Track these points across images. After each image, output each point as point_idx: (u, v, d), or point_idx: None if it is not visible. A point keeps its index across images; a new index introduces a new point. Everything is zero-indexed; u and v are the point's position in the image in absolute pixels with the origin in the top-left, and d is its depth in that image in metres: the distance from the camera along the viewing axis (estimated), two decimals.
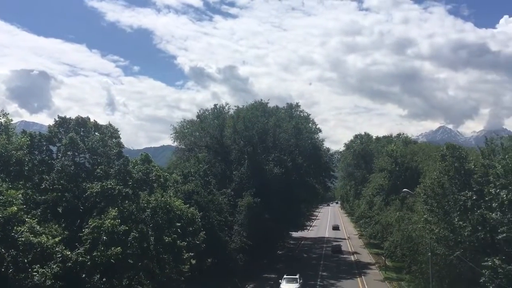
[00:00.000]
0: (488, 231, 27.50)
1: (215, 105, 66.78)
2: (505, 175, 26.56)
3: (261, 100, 68.25)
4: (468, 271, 29.17)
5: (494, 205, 26.50)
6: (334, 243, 79.08)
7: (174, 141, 68.24)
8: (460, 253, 29.28)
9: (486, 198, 27.59)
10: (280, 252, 69.98)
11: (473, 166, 30.92)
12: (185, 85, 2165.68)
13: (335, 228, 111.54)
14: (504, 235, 24.88)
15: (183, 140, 66.98)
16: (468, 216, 29.02)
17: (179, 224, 33.92)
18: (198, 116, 67.09)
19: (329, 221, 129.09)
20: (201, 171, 50.58)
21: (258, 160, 60.06)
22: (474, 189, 29.35)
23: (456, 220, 29.86)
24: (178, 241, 32.89)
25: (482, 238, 28.11)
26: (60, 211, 30.85)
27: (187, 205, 37.36)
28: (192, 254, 36.93)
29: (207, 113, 67.04)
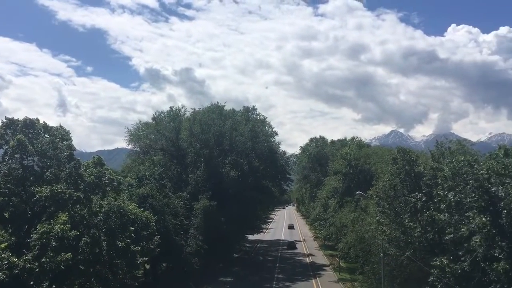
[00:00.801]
0: (436, 232, 28.43)
1: (171, 107, 65.93)
2: (453, 178, 27.54)
3: (218, 103, 67.92)
4: (418, 271, 30.04)
5: (442, 206, 27.40)
6: (289, 240, 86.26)
7: (128, 144, 66.83)
8: (410, 253, 30.15)
9: (435, 200, 28.51)
10: (236, 255, 69.82)
11: (422, 169, 31.97)
12: (140, 86, 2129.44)
13: (290, 227, 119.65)
14: (451, 235, 25.74)
15: (138, 142, 65.69)
16: (418, 218, 29.94)
17: (133, 228, 33.28)
18: (153, 119, 66.01)
19: (285, 224, 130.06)
20: (156, 174, 49.82)
21: (215, 163, 59.79)
22: (424, 191, 30.34)
23: (407, 221, 30.76)
24: (132, 246, 32.23)
25: (431, 238, 29.01)
26: (6, 216, 29.62)
27: (142, 209, 36.71)
28: (146, 258, 36.35)
29: (163, 115, 66.05)
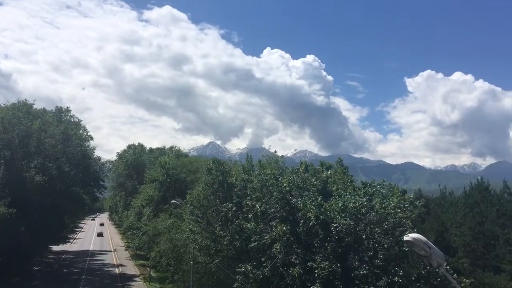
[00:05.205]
0: (243, 240, 30.14)
1: None
2: (260, 189, 29.65)
3: (26, 100, 61.72)
4: (225, 278, 31.42)
5: (249, 216, 29.21)
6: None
7: None
8: (219, 261, 31.40)
9: (244, 210, 30.27)
10: (36, 268, 63.73)
11: (234, 180, 33.71)
12: None
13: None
14: (256, 243, 27.59)
15: None
16: (228, 226, 31.39)
17: None
18: None
19: (95, 233, 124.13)
20: None
21: (17, 166, 53.72)
22: (234, 201, 31.95)
23: (218, 230, 32.03)
24: None
25: (238, 246, 30.65)
26: None
27: None
28: None
29: None
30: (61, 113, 69.10)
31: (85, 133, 69.50)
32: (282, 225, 25.92)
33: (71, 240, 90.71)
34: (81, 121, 70.74)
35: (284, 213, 27.07)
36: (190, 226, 35.24)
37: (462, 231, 33.30)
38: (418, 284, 21.59)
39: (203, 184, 36.26)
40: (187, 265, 37.03)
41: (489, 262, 30.60)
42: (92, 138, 70.67)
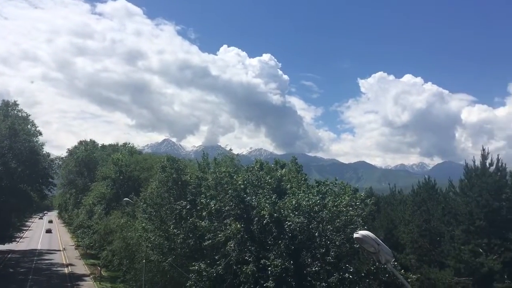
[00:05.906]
0: (197, 238, 29.98)
1: None
2: (215, 187, 29.56)
3: None
4: (179, 276, 31.17)
5: (204, 214, 29.04)
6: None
7: None
8: (172, 259, 31.11)
9: (198, 208, 30.10)
10: None
11: (189, 178, 33.46)
12: None
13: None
14: (210, 241, 27.49)
15: None
16: (182, 224, 31.13)
17: None
18: None
19: (43, 232, 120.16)
20: None
21: None
22: (189, 199, 31.73)
23: (171, 228, 31.71)
24: None
25: (192, 244, 30.46)
26: None
27: None
28: None
29: None
30: (8, 107, 66.46)
31: (33, 128, 67.20)
32: (236, 223, 25.96)
33: (17, 239, 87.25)
34: (29, 115, 68.44)
35: (239, 211, 27.12)
36: (143, 224, 34.73)
37: (410, 228, 34.40)
38: (367, 280, 22.22)
39: (157, 181, 35.80)
40: (140, 263, 36.44)
41: (435, 258, 31.79)
42: (41, 134, 68.49)
